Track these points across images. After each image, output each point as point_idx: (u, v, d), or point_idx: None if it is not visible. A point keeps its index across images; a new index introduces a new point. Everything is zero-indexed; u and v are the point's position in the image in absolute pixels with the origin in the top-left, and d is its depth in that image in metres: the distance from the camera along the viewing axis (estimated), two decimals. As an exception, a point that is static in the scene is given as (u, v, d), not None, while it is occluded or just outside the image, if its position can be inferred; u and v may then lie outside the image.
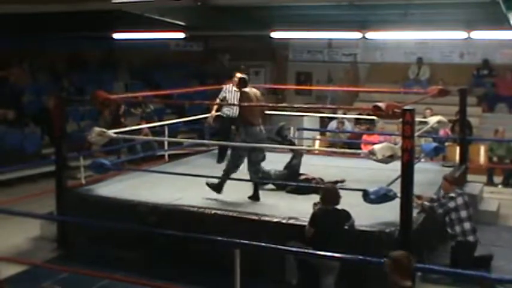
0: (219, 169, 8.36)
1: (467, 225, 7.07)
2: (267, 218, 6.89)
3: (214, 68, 18.67)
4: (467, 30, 13.09)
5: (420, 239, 6.68)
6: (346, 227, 6.37)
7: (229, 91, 9.69)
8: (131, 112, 15.23)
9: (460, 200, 7.11)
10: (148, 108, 14.90)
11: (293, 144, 8.48)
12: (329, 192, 6.51)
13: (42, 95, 14.89)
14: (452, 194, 7.12)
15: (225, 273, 5.55)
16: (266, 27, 14.97)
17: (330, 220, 6.32)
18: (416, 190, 6.61)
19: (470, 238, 7.08)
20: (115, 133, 8.45)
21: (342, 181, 8.31)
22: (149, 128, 12.48)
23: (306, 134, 13.48)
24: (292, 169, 8.53)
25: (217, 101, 9.83)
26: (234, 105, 9.27)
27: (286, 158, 8.76)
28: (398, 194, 6.34)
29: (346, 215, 6.39)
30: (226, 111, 9.76)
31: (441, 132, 11.71)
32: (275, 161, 8.61)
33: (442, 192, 7.32)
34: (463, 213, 7.07)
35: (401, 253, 4.41)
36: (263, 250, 5.95)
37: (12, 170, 11.91)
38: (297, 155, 8.70)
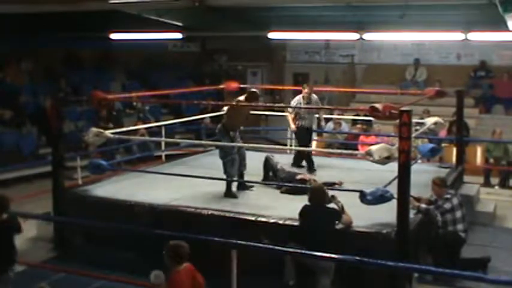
0: (215, 170, 8.37)
1: (460, 226, 7.10)
2: (263, 219, 6.89)
3: (212, 68, 18.68)
4: (465, 31, 13.12)
5: (417, 240, 6.69)
6: (337, 227, 6.39)
7: (300, 103, 9.76)
8: (127, 112, 15.31)
9: (455, 201, 7.13)
10: (145, 106, 15.01)
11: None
12: (314, 191, 6.53)
13: (39, 95, 14.88)
14: (447, 196, 7.13)
15: (222, 274, 5.55)
16: (263, 28, 14.99)
17: (315, 218, 6.34)
18: (413, 191, 6.61)
19: (461, 234, 7.10)
20: (112, 133, 8.45)
21: (340, 183, 8.31)
22: (146, 128, 12.47)
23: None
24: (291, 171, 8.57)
25: (290, 111, 9.90)
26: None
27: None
28: (395, 195, 6.34)
29: (334, 214, 6.39)
30: (302, 122, 9.78)
31: (441, 134, 11.77)
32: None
33: (433, 196, 7.31)
34: (458, 214, 7.10)
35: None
36: (260, 251, 5.95)
37: (9, 170, 11.89)
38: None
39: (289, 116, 9.86)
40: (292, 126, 9.78)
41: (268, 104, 9.94)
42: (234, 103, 8.22)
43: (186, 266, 5.02)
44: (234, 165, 7.92)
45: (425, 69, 15.72)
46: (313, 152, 10.22)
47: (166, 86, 14.19)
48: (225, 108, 9.82)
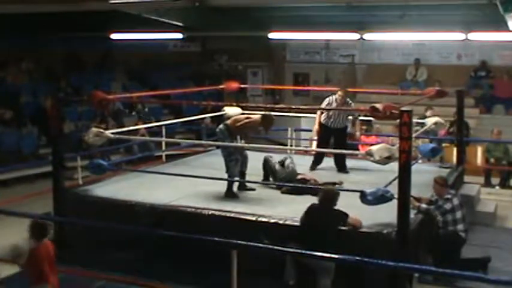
0: (216, 170, 8.37)
1: (460, 227, 7.10)
2: (264, 219, 6.89)
3: (212, 68, 18.69)
4: (465, 31, 13.12)
5: (417, 240, 6.68)
6: (341, 228, 6.40)
7: (330, 103, 9.53)
8: (126, 113, 15.33)
9: (455, 201, 7.13)
10: (145, 107, 15.07)
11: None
12: (328, 193, 6.56)
13: (39, 95, 14.88)
14: (447, 196, 7.13)
15: (222, 274, 5.55)
16: (264, 28, 14.99)
17: (321, 219, 6.37)
18: (414, 191, 6.61)
19: (462, 234, 7.10)
20: (112, 133, 8.44)
21: (340, 183, 8.31)
22: (146, 128, 12.47)
23: (303, 134, 13.48)
24: (290, 168, 8.54)
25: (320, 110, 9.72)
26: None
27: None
28: (396, 195, 6.34)
29: (340, 216, 6.40)
30: (327, 121, 9.59)
31: (441, 133, 11.77)
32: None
33: (434, 196, 7.31)
34: (458, 214, 7.10)
35: None
36: (260, 251, 5.95)
37: (9, 170, 11.90)
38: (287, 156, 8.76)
39: (318, 114, 9.66)
40: (316, 126, 9.60)
41: (268, 105, 9.88)
42: (247, 120, 8.14)
43: (45, 243, 5.51)
44: (237, 165, 7.92)
45: (425, 69, 15.72)
46: (313, 152, 10.18)
47: (166, 86, 14.20)
48: (226, 108, 9.83)
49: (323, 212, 6.43)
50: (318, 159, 9.65)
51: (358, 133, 9.97)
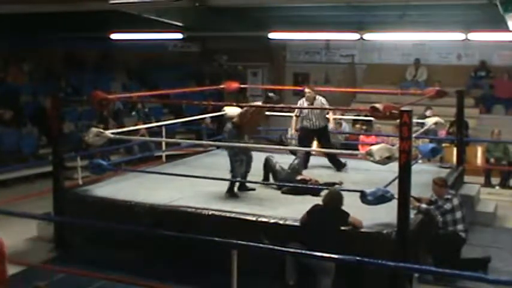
0: (216, 170, 8.37)
1: (460, 227, 7.10)
2: (264, 219, 6.89)
3: (212, 68, 18.68)
4: (465, 31, 13.11)
5: (417, 240, 6.68)
6: (342, 228, 6.41)
7: (302, 104, 9.67)
8: (126, 113, 15.34)
9: (455, 201, 7.13)
10: (145, 107, 15.09)
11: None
12: (333, 195, 6.62)
13: (39, 95, 14.88)
14: (447, 196, 7.13)
15: (222, 274, 5.55)
16: (264, 28, 14.99)
17: (323, 219, 6.38)
18: (414, 191, 6.61)
19: (462, 234, 7.10)
20: (112, 133, 8.44)
21: (340, 183, 8.31)
22: (146, 128, 12.47)
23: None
24: (294, 170, 8.54)
25: (295, 114, 9.84)
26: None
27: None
28: (396, 195, 6.34)
29: (342, 218, 6.42)
30: (305, 123, 9.66)
31: (441, 133, 11.77)
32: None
33: (434, 196, 7.31)
34: (458, 214, 7.09)
35: None
36: (260, 251, 5.95)
37: (9, 170, 11.90)
38: (299, 155, 8.77)
39: (293, 119, 9.78)
40: (293, 130, 9.71)
41: (268, 105, 9.80)
42: (252, 110, 8.08)
43: None
44: (241, 165, 7.90)
45: (425, 69, 15.72)
46: (313, 152, 10.18)
47: (166, 86, 14.20)
48: (226, 108, 9.84)
49: (328, 213, 6.44)
50: (304, 160, 9.68)
51: (331, 125, 10.06)
